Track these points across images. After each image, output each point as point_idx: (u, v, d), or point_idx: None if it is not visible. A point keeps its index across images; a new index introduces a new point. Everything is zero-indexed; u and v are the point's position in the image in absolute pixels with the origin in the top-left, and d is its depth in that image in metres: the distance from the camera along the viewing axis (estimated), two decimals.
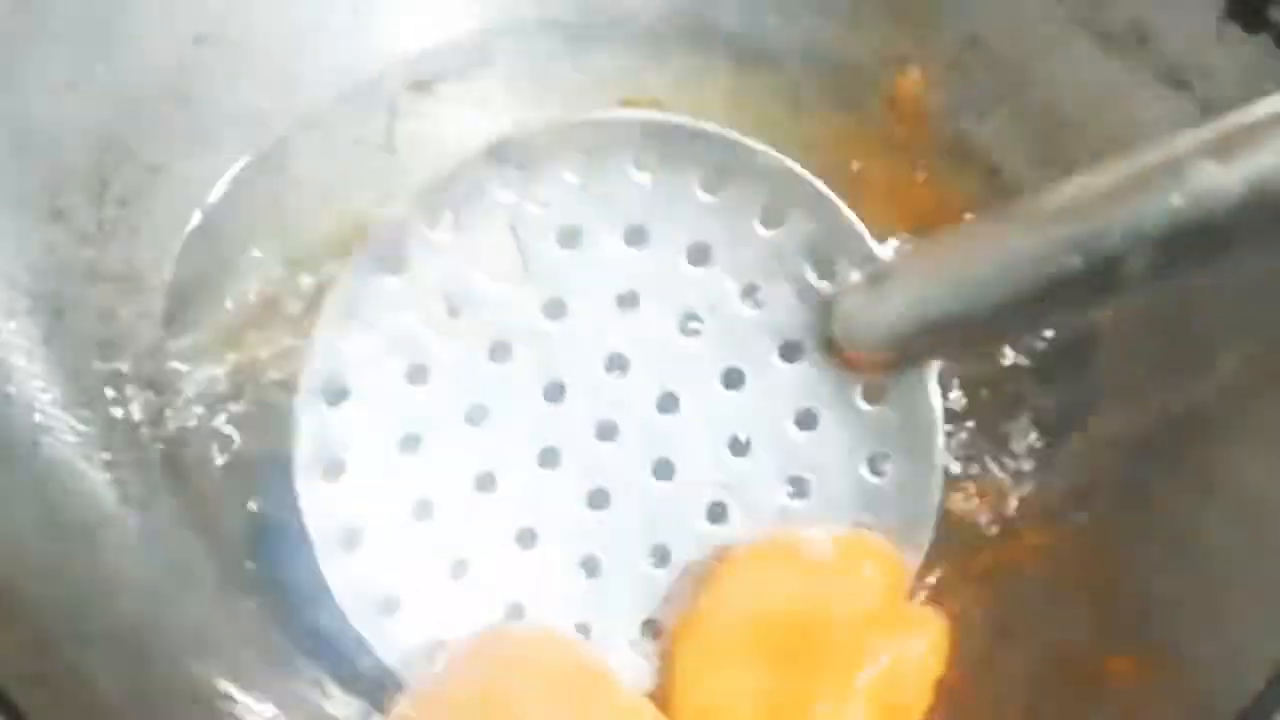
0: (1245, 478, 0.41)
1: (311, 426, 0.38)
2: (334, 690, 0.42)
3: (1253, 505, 0.40)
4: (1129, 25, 0.45)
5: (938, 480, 0.38)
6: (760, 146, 0.37)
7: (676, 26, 0.51)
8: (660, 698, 0.36)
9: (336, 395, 0.38)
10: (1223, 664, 0.38)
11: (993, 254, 0.33)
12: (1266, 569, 0.39)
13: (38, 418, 0.42)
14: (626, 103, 0.50)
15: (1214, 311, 0.44)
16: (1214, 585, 0.40)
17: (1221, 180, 0.29)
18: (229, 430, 0.45)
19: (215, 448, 0.45)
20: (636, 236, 0.38)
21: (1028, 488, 0.45)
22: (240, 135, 0.49)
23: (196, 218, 0.48)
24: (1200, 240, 0.30)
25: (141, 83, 0.46)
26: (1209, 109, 0.44)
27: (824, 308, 0.37)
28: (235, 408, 0.46)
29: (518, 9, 0.51)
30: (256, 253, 0.48)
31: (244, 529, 0.44)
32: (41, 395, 0.43)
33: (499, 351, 0.38)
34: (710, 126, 0.37)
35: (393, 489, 0.38)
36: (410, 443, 0.39)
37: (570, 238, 0.38)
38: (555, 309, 0.38)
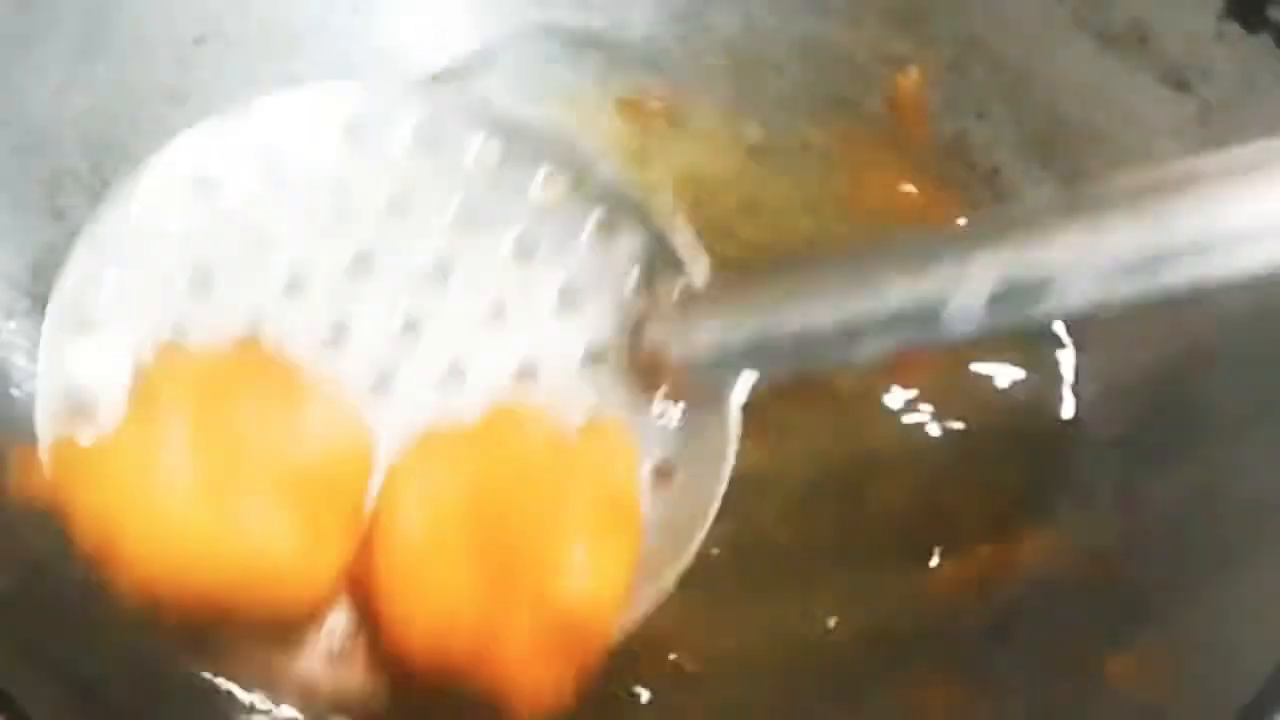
0: (1244, 477, 0.41)
1: (71, 291, 0.36)
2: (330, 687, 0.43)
3: (1252, 504, 0.40)
4: (1129, 25, 0.45)
5: (712, 508, 0.36)
6: (604, 159, 0.38)
7: (676, 28, 0.51)
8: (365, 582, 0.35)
9: (105, 262, 0.36)
10: (1223, 663, 0.38)
11: (801, 287, 0.35)
12: (1266, 568, 0.39)
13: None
14: (624, 103, 0.50)
15: (1212, 312, 0.44)
16: (1214, 584, 0.40)
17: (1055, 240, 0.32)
18: None
19: None
20: (464, 219, 0.38)
21: (1028, 488, 0.46)
22: None
23: None
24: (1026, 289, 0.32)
25: (141, 83, 0.46)
26: (1209, 109, 0.44)
27: (636, 325, 0.37)
28: None
29: (518, 9, 0.51)
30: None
31: None
32: None
33: (291, 288, 0.37)
34: (560, 130, 0.38)
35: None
36: (177, 332, 0.37)
37: (395, 202, 0.38)
38: (361, 264, 0.37)
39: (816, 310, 0.34)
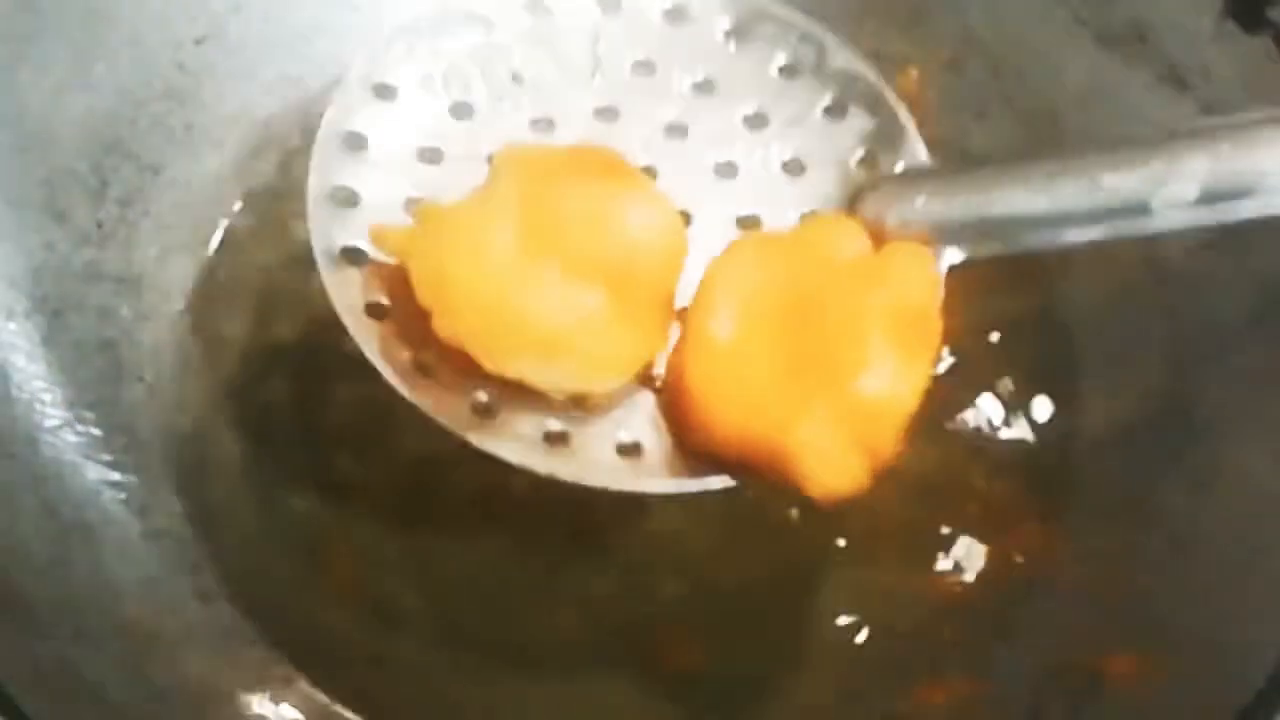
0: (1244, 477, 0.41)
1: (343, 110, 0.39)
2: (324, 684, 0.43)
3: (1251, 504, 0.41)
4: (1128, 25, 0.45)
5: None
6: (846, 51, 0.41)
7: None
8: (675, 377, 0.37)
9: (381, 91, 0.39)
10: (1223, 662, 0.38)
11: (1016, 172, 0.36)
12: (1265, 567, 0.39)
13: (39, 418, 0.43)
14: None
15: (1214, 312, 0.44)
16: (1214, 584, 0.40)
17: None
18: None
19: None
20: (705, 88, 0.41)
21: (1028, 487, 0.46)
22: (240, 136, 0.49)
23: (197, 219, 0.48)
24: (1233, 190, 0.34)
25: (142, 84, 0.46)
26: (1208, 108, 0.44)
27: (856, 194, 0.39)
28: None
29: None
30: (257, 255, 0.48)
31: (243, 529, 0.45)
32: (43, 395, 0.43)
33: (538, 125, 0.40)
34: (804, 21, 0.41)
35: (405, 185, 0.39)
36: (429, 154, 0.40)
37: (643, 66, 0.41)
38: (609, 115, 0.40)
39: (1028, 194, 0.36)
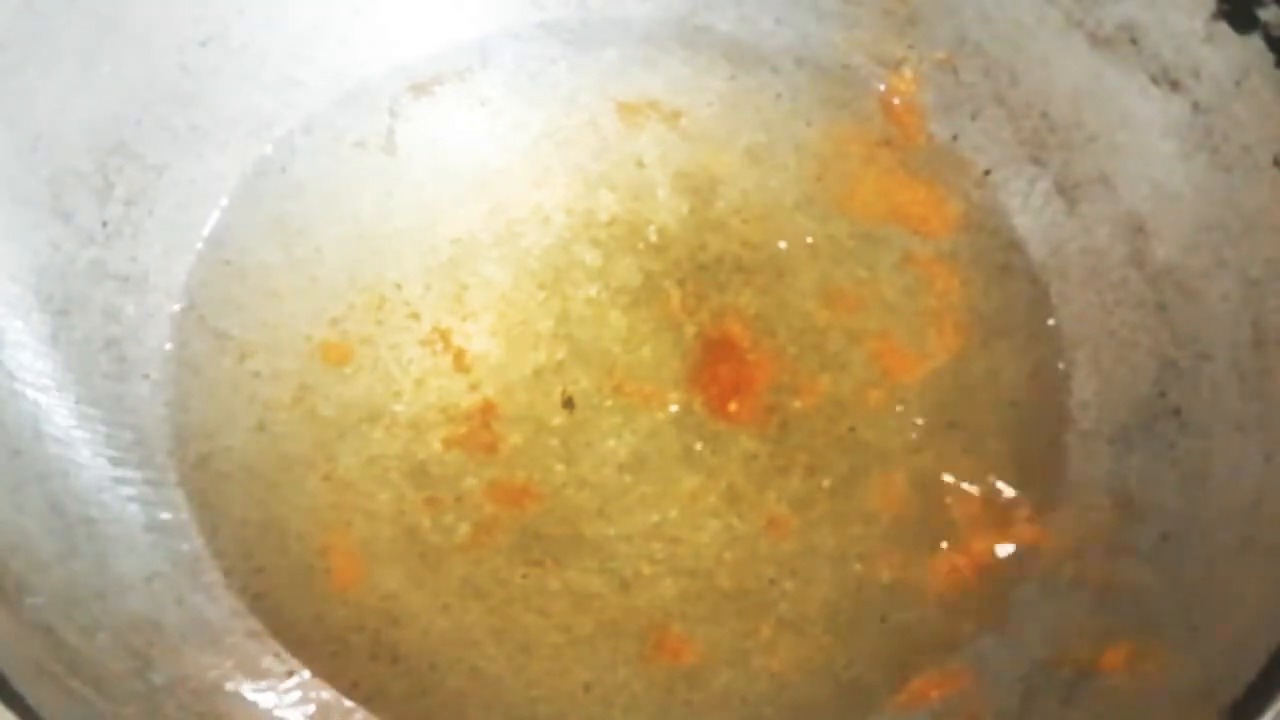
0: (1235, 472, 0.41)
1: None
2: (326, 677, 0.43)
3: (1242, 499, 0.41)
4: (1120, 26, 0.45)
5: None
6: None
7: (673, 29, 0.52)
8: None
9: None
10: (1215, 655, 0.38)
11: None
12: (1256, 562, 0.39)
13: (44, 415, 0.43)
14: (622, 106, 0.51)
15: (1205, 310, 0.44)
16: (1205, 578, 0.40)
17: None
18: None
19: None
20: None
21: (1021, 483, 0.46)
22: (243, 137, 0.49)
23: (201, 219, 0.48)
24: None
25: (146, 85, 0.47)
26: (1199, 108, 0.44)
27: None
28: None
29: (516, 12, 0.51)
30: (259, 255, 0.48)
31: (247, 524, 0.45)
32: (49, 393, 0.43)
33: None
34: None
35: None
36: None
37: None
38: None
39: None
